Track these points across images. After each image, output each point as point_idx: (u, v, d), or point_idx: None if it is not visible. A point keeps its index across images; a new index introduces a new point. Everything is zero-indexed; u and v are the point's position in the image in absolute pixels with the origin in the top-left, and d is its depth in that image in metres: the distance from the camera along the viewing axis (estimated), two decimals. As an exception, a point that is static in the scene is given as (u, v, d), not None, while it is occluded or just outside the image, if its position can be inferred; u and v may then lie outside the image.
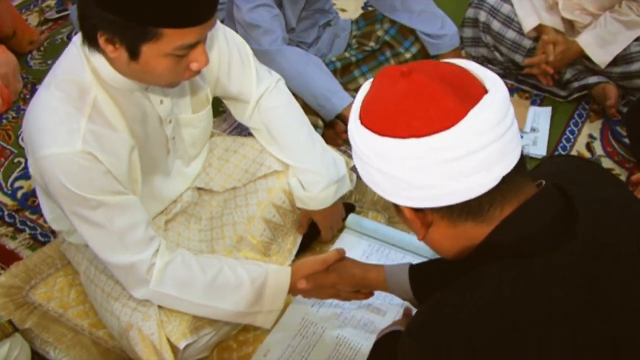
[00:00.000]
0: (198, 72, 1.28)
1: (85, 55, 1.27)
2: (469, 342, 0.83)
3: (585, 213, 0.88)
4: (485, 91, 0.85)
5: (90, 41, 1.22)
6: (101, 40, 1.18)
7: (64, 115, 1.25)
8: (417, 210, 0.90)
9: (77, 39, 1.28)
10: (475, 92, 0.85)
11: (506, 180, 0.85)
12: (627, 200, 0.99)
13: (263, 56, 1.63)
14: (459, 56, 2.29)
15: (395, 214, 1.03)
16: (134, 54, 1.19)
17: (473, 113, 0.82)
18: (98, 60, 1.26)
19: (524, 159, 0.88)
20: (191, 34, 1.18)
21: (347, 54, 2.25)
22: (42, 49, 2.72)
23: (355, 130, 0.89)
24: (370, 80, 0.92)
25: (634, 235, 0.92)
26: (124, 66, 1.24)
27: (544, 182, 0.91)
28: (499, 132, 0.83)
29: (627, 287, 0.88)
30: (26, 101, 2.45)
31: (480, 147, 0.82)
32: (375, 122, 0.86)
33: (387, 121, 0.85)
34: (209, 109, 1.57)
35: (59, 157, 1.23)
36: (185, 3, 1.13)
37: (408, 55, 2.23)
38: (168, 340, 1.41)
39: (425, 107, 0.83)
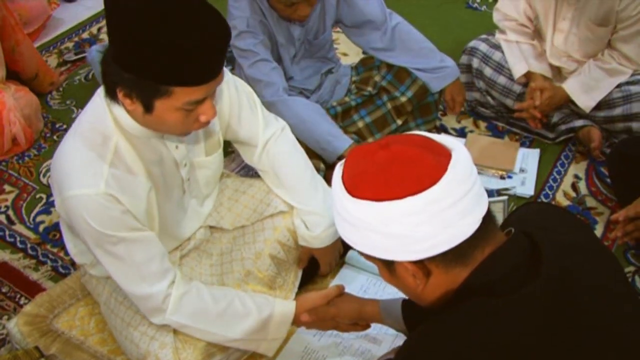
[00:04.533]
0: (207, 123, 1.38)
1: (107, 106, 1.37)
2: None
3: (550, 255, 0.98)
4: (449, 150, 0.98)
5: (111, 95, 1.34)
6: (120, 95, 1.29)
7: (89, 160, 1.35)
8: (417, 263, 0.97)
9: (101, 91, 1.39)
10: (444, 152, 0.97)
11: (483, 223, 0.96)
12: (593, 245, 1.09)
13: (267, 107, 1.72)
14: (462, 88, 2.32)
15: (386, 280, 1.07)
16: (148, 108, 1.30)
17: (451, 166, 0.94)
18: (118, 111, 1.36)
19: (490, 209, 0.99)
20: (198, 91, 1.28)
21: (347, 99, 2.28)
22: (61, 89, 2.79)
23: (349, 203, 0.96)
24: (342, 161, 1.01)
25: (597, 275, 1.02)
26: (140, 117, 1.34)
27: (513, 230, 1.02)
28: (472, 180, 0.96)
29: (593, 321, 0.96)
30: (47, 139, 2.53)
31: (463, 194, 0.94)
32: (368, 191, 0.94)
33: (380, 188, 0.94)
34: (220, 152, 1.66)
35: (84, 197, 1.33)
36: (192, 65, 1.23)
37: (404, 99, 2.24)
38: (182, 366, 1.49)
39: (411, 169, 0.94)
